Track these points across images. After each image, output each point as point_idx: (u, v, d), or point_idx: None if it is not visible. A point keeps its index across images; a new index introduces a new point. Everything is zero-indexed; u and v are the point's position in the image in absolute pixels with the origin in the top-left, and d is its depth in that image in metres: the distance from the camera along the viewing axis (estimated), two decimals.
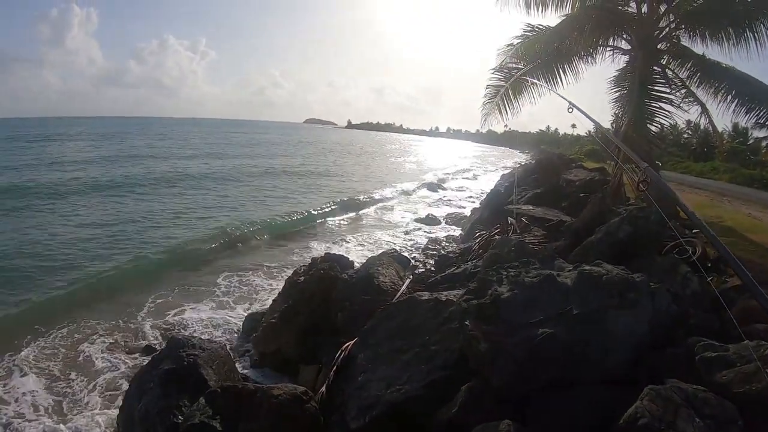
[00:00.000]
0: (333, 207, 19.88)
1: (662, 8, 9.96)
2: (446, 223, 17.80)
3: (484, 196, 20.23)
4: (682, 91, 10.65)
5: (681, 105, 10.41)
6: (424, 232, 16.11)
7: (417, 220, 18.08)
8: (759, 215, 13.65)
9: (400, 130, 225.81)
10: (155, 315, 8.60)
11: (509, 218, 8.47)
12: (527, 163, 34.15)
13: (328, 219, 18.11)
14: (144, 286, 9.87)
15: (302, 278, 7.38)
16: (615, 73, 10.76)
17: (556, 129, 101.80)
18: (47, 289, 9.42)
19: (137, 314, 8.58)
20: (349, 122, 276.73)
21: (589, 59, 11.07)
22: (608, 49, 10.84)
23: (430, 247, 12.78)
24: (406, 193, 26.48)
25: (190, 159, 37.78)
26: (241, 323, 8.11)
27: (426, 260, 10.62)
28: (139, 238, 13.60)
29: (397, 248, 11.73)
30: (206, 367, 4.56)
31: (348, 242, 14.68)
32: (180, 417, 3.95)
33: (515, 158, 63.74)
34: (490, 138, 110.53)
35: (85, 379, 6.50)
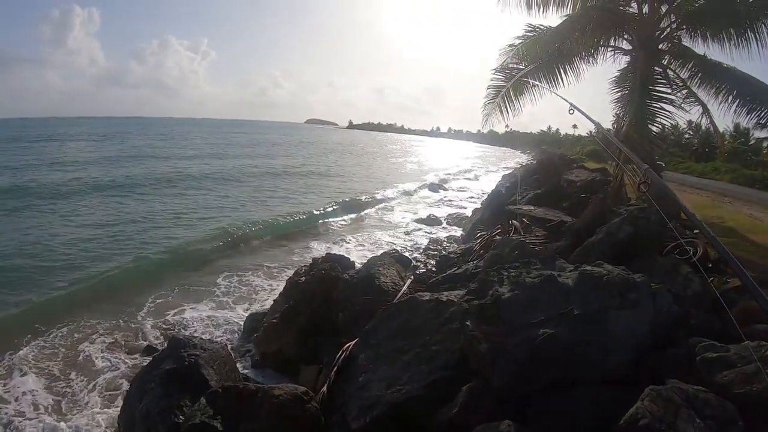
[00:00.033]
0: (334, 207, 19.89)
1: (663, 8, 9.95)
2: (447, 223, 17.79)
3: (485, 196, 20.22)
4: (684, 91, 10.63)
5: (682, 105, 10.38)
6: (425, 232, 16.11)
7: (418, 221, 18.09)
8: (760, 216, 13.65)
9: (402, 130, 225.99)
10: (155, 315, 8.62)
11: (513, 221, 8.47)
12: (528, 163, 34.15)
13: (329, 219, 18.09)
14: (144, 286, 9.87)
15: (303, 278, 7.39)
16: (616, 74, 10.74)
17: (558, 129, 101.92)
18: (48, 289, 9.43)
19: (137, 314, 8.59)
20: (350, 122, 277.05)
21: (590, 60, 11.05)
22: (609, 49, 10.83)
23: (431, 247, 12.78)
24: (407, 193, 26.46)
25: (191, 159, 37.83)
26: (242, 323, 8.13)
27: (427, 261, 10.61)
28: (140, 238, 13.63)
29: (399, 248, 11.73)
30: (207, 367, 4.57)
31: (349, 243, 14.69)
32: (181, 417, 3.96)
33: (516, 158, 63.75)
34: (491, 138, 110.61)
35: (85, 379, 6.52)
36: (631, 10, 10.58)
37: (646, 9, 10.14)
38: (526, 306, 3.51)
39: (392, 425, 3.60)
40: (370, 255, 10.82)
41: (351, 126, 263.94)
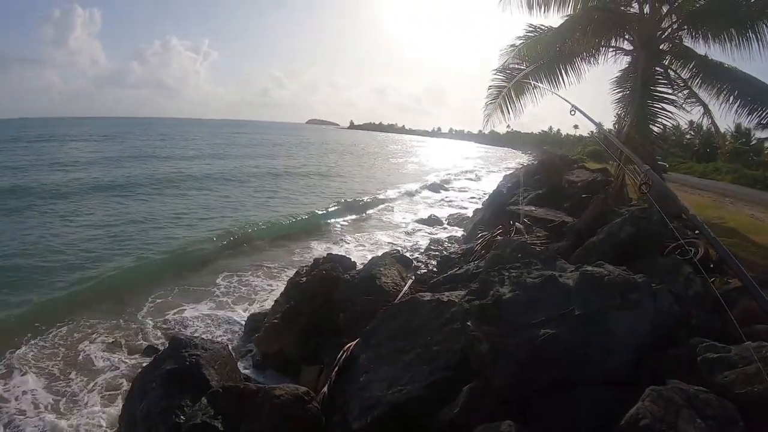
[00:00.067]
0: (335, 208, 19.91)
1: (664, 9, 9.95)
2: (448, 223, 17.79)
3: (486, 197, 20.21)
4: (685, 91, 10.63)
5: (683, 106, 10.40)
6: (426, 232, 16.12)
7: (419, 221, 18.10)
8: (761, 216, 13.63)
9: (403, 130, 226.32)
10: (156, 315, 8.64)
11: (516, 223, 8.47)
12: (530, 163, 34.14)
13: (329, 220, 18.09)
14: (144, 286, 9.89)
15: (305, 279, 7.40)
16: (617, 74, 10.77)
17: (559, 130, 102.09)
18: (48, 289, 9.45)
19: (137, 314, 8.62)
20: (352, 123, 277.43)
21: (592, 60, 11.06)
22: (610, 49, 10.85)
23: (432, 247, 12.78)
24: (409, 194, 26.46)
25: (192, 159, 37.91)
26: (242, 323, 8.14)
27: (428, 261, 10.62)
28: (140, 238, 13.65)
29: (400, 249, 11.73)
30: (208, 368, 4.57)
31: (350, 243, 14.71)
32: (182, 417, 3.96)
33: (518, 159, 63.79)
34: (492, 139, 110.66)
35: (85, 379, 6.54)
36: (632, 10, 10.59)
37: (647, 9, 10.14)
38: (527, 306, 3.51)
39: (393, 425, 3.60)
40: (370, 255, 10.84)
41: (352, 126, 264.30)
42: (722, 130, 16.52)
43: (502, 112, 11.35)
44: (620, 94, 10.48)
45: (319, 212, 18.87)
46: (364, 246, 14.27)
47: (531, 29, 11.22)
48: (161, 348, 6.61)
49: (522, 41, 11.39)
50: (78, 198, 19.08)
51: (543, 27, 11.13)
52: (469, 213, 18.92)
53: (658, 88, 9.70)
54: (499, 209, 12.71)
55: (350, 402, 3.94)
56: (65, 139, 53.99)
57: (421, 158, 62.74)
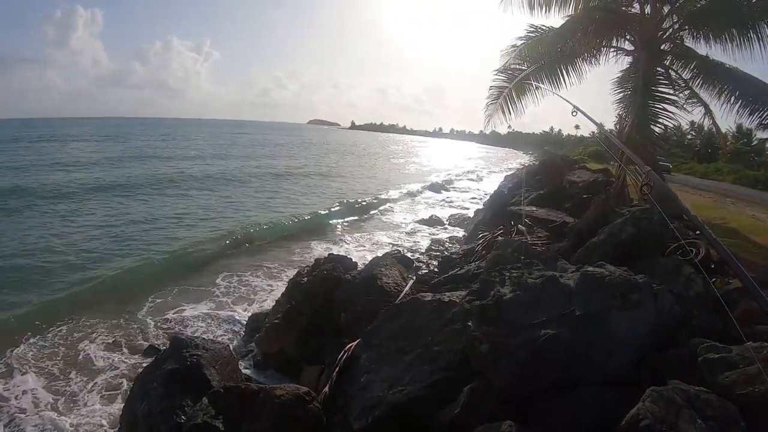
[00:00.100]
0: (336, 208, 19.91)
1: (665, 9, 9.95)
2: (449, 224, 17.79)
3: (488, 197, 20.21)
4: (686, 92, 10.63)
5: (684, 106, 10.39)
6: (428, 233, 16.12)
7: (420, 222, 18.10)
8: (763, 217, 13.61)
9: (404, 131, 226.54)
10: (156, 315, 8.66)
11: (519, 225, 8.46)
12: (531, 164, 34.13)
13: (330, 220, 18.09)
14: (145, 286, 9.90)
15: (306, 279, 7.40)
16: (618, 74, 10.77)
17: (560, 130, 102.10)
18: (48, 289, 9.48)
19: (137, 314, 8.63)
20: (353, 123, 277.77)
21: (593, 60, 11.07)
22: (611, 50, 10.85)
23: (433, 248, 12.79)
24: (410, 194, 26.46)
25: (193, 160, 37.97)
26: (243, 323, 8.15)
27: (429, 261, 10.63)
28: (141, 238, 13.67)
29: (401, 249, 11.73)
30: (209, 368, 4.57)
31: (351, 243, 14.72)
32: (183, 417, 3.96)
33: (519, 159, 63.81)
34: (493, 139, 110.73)
35: (85, 378, 6.56)
36: (633, 10, 10.59)
37: (648, 9, 10.14)
38: (527, 307, 3.51)
39: (394, 426, 3.60)
40: (371, 256, 10.84)
41: (353, 127, 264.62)
42: (723, 130, 16.51)
43: (503, 112, 11.35)
44: (621, 95, 10.48)
45: (320, 212, 18.88)
46: (364, 246, 14.28)
47: (532, 29, 11.23)
48: (162, 348, 6.62)
49: (523, 42, 11.40)
50: (79, 198, 19.11)
51: (544, 27, 11.14)
52: (471, 213, 18.90)
53: (659, 89, 9.69)
54: (500, 210, 12.71)
55: (351, 402, 3.94)
56: (66, 140, 54.09)
57: (423, 159, 62.78)
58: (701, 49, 9.88)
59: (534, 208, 10.59)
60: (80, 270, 10.59)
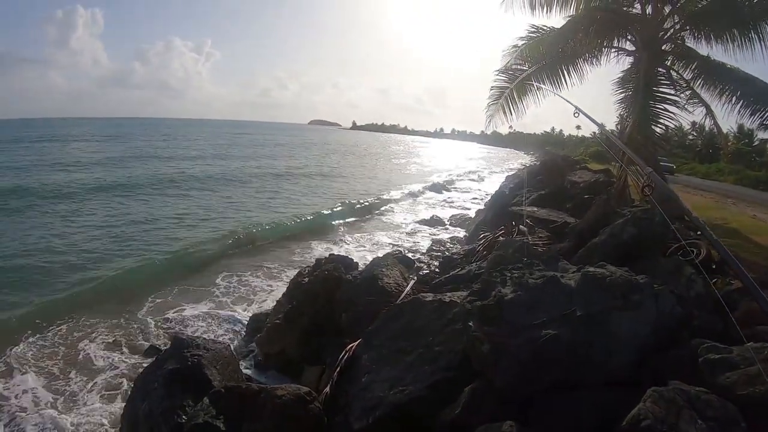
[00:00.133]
0: (337, 208, 19.91)
1: (667, 9, 9.95)
2: (451, 224, 17.78)
3: (489, 197, 20.20)
4: (687, 92, 10.63)
5: (686, 106, 10.40)
6: (429, 233, 16.12)
7: (421, 222, 18.09)
8: (764, 217, 13.60)
9: (405, 131, 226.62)
10: (156, 315, 8.66)
11: (520, 225, 8.46)
12: (532, 164, 34.12)
13: (331, 220, 18.08)
14: (145, 286, 9.91)
15: (306, 279, 7.40)
16: (619, 75, 10.77)
17: (561, 130, 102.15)
18: (49, 289, 9.48)
19: (138, 314, 8.64)
20: (354, 123, 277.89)
21: (594, 61, 11.07)
22: (613, 50, 10.85)
23: (434, 248, 12.78)
24: (411, 194, 26.46)
25: (194, 160, 38.01)
26: (244, 323, 8.16)
27: (430, 261, 10.62)
28: (142, 238, 13.67)
29: (402, 249, 11.73)
30: (210, 368, 4.57)
31: (351, 244, 14.72)
32: (184, 417, 3.96)
33: (520, 159, 63.80)
34: (495, 139, 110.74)
35: (85, 378, 6.57)
36: (634, 10, 10.59)
37: (649, 10, 10.13)
38: (528, 307, 3.51)
39: (395, 426, 3.60)
40: (371, 256, 10.83)
41: (354, 127, 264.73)
42: (725, 131, 16.51)
43: (504, 112, 11.35)
44: (622, 95, 10.48)
45: (321, 213, 18.87)
46: (365, 246, 14.28)
47: (533, 30, 11.24)
48: (163, 348, 6.63)
49: (524, 42, 11.41)
50: (79, 198, 19.13)
51: (545, 28, 11.15)
52: (472, 214, 18.90)
53: (661, 89, 9.69)
54: (501, 210, 12.71)
55: (352, 402, 3.94)
56: (67, 140, 54.17)
57: (424, 159, 62.79)
58: (702, 49, 9.90)
59: (535, 209, 10.59)
60: (81, 270, 10.59)
